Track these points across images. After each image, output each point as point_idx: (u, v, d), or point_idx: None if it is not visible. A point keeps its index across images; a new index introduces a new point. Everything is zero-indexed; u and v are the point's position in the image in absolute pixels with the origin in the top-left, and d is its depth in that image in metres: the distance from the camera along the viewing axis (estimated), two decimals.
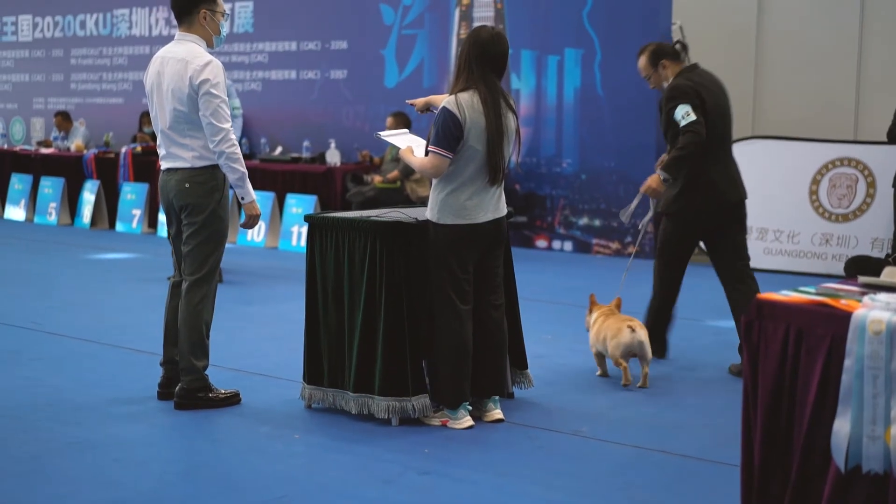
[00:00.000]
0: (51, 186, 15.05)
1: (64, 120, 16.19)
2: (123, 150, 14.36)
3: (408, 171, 11.93)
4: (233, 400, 5.92)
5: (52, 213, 14.94)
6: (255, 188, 13.06)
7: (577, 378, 6.63)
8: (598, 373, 6.69)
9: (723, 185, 6.81)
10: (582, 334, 7.54)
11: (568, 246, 12.47)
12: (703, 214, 6.84)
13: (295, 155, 13.64)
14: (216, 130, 5.67)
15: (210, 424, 5.60)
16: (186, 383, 5.82)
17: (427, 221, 5.56)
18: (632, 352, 6.39)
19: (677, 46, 7.10)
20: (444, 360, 5.50)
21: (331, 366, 5.72)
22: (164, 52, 5.88)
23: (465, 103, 5.42)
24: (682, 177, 6.74)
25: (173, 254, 6.04)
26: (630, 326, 6.40)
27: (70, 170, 15.03)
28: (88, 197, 14.59)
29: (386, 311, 5.46)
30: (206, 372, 5.88)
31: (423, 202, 11.76)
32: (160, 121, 5.83)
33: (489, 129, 5.43)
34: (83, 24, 17.21)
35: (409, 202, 11.58)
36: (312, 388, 5.79)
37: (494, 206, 5.58)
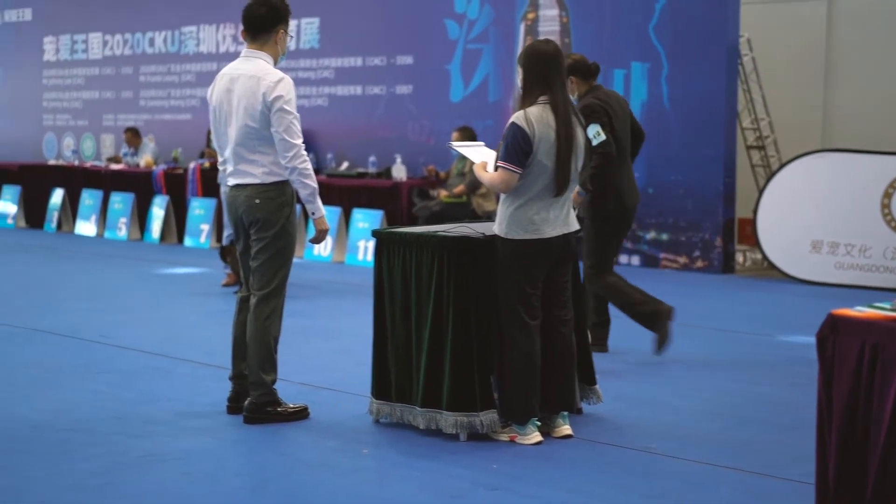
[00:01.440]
0: (121, 202, 15.23)
1: (133, 136, 16.38)
2: (192, 165, 14.48)
3: (474, 186, 11.92)
4: (301, 414, 5.93)
5: (121, 228, 15.11)
6: (322, 203, 13.15)
7: (646, 394, 6.57)
8: None
9: (625, 191, 7.54)
10: (651, 349, 7.48)
11: (635, 260, 12.39)
12: (612, 217, 7.51)
13: (361, 170, 13.69)
14: (289, 146, 5.70)
15: (278, 439, 5.61)
16: (255, 398, 5.84)
17: (495, 236, 5.54)
18: None
19: (592, 66, 7.70)
20: (512, 376, 5.47)
21: (399, 380, 5.71)
22: (231, 69, 5.91)
23: (534, 118, 5.40)
24: (598, 188, 7.42)
25: (241, 269, 6.07)
26: None
27: (139, 185, 15.20)
28: (157, 212, 14.74)
29: (454, 326, 5.45)
30: (275, 386, 5.90)
31: (489, 217, 11.74)
32: (229, 137, 5.86)
33: (559, 143, 5.41)
34: (152, 42, 17.41)
35: (475, 217, 11.57)
36: (380, 403, 5.79)
37: (563, 221, 5.55)
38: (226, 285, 10.59)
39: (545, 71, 5.48)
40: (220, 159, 6.05)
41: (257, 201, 5.78)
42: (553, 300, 5.58)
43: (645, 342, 7.91)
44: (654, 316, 7.40)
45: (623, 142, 7.55)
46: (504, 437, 5.51)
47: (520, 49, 13.01)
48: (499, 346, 5.52)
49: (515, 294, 5.46)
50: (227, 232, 10.19)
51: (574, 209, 7.10)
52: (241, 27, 6.00)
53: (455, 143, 6.22)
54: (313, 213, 5.86)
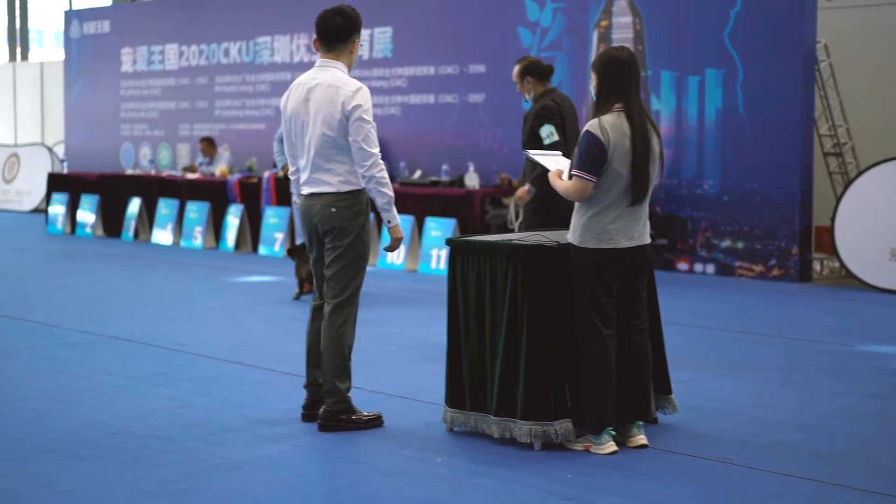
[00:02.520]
0: (196, 211, 15.39)
1: (209, 146, 16.56)
2: (266, 174, 14.61)
3: None
4: (376, 422, 5.94)
5: (197, 237, 15.27)
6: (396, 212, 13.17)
7: (722, 403, 6.50)
8: None
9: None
10: (727, 359, 7.42)
11: (710, 269, 12.28)
12: (553, 215, 7.66)
13: (434, 178, 13.71)
14: (367, 155, 5.73)
15: (353, 447, 5.63)
16: (330, 405, 5.86)
17: (569, 245, 5.51)
18: None
19: (547, 67, 8.14)
20: (587, 385, 5.44)
21: (472, 389, 5.70)
22: (307, 78, 5.94)
23: (609, 126, 5.37)
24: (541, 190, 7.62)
25: (314, 277, 6.10)
26: None
27: (215, 194, 15.35)
28: (232, 221, 14.87)
29: (528, 335, 5.43)
30: (349, 394, 5.92)
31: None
32: (305, 146, 5.89)
33: (634, 150, 5.37)
34: (227, 52, 17.59)
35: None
36: (454, 412, 5.78)
37: (640, 231, 5.51)
38: (298, 297, 10.71)
39: (620, 79, 5.45)
40: (291, 168, 6.08)
41: (333, 210, 5.81)
42: (628, 309, 5.55)
43: (722, 350, 7.86)
44: None
45: (571, 145, 7.58)
46: (579, 447, 5.48)
47: (593, 57, 12.96)
48: (573, 354, 5.49)
49: (590, 303, 5.43)
50: (300, 241, 10.31)
51: (517, 205, 7.98)
52: (314, 37, 6.03)
53: (531, 152, 6.21)
54: (389, 222, 5.88)
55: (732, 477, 5.11)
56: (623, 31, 12.83)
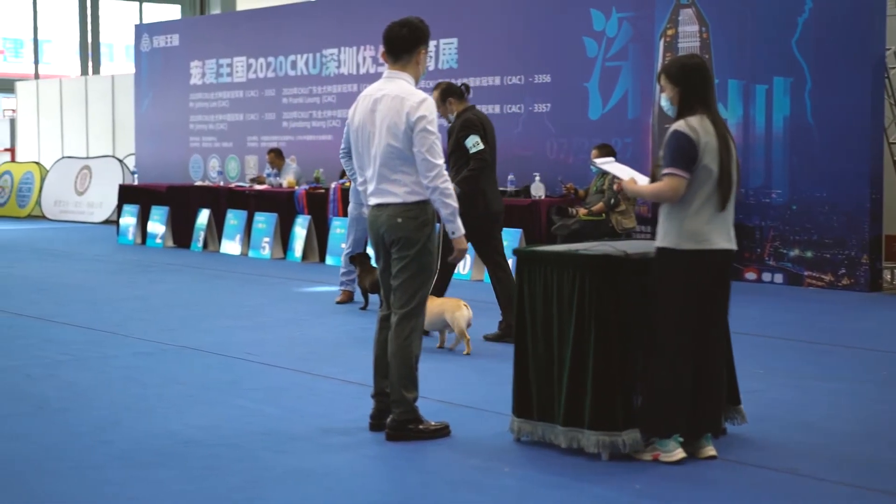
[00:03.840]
0: (264, 221, 15.52)
1: (276, 157, 16.70)
2: (333, 185, 14.70)
3: (613, 203, 11.85)
4: (443, 432, 5.96)
5: (265, 248, 15.40)
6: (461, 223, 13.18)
7: (791, 414, 6.44)
8: (438, 345, 8.52)
9: (492, 197, 8.86)
10: (795, 369, 7.35)
11: (779, 278, 12.16)
12: (480, 218, 8.64)
13: (500, 188, 13.69)
14: (431, 166, 5.75)
15: (420, 456, 5.65)
16: (397, 415, 5.89)
17: (660, 250, 5.45)
18: (469, 323, 8.30)
19: (462, 88, 9.11)
20: (662, 391, 5.39)
21: (540, 399, 5.70)
22: (374, 89, 5.98)
23: (696, 125, 5.34)
24: (469, 190, 8.61)
25: (381, 288, 6.13)
26: (465, 305, 8.37)
27: (282, 205, 15.47)
28: (300, 231, 14.98)
29: (595, 345, 5.42)
30: (416, 404, 5.95)
31: (628, 234, 11.66)
32: (371, 157, 5.91)
33: (720, 151, 5.35)
34: (294, 65, 17.74)
35: (614, 234, 11.50)
36: (521, 422, 5.79)
37: (729, 234, 5.48)
38: (339, 302, 10.78)
39: (703, 86, 5.44)
40: (359, 179, 6.12)
41: (399, 220, 5.83)
42: (709, 318, 5.49)
43: (790, 360, 7.79)
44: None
45: (493, 154, 8.95)
46: (647, 457, 5.45)
47: (659, 66, 12.90)
48: (647, 360, 5.45)
49: (678, 310, 5.37)
50: (348, 251, 10.37)
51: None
52: (381, 49, 6.07)
53: (598, 161, 6.21)
54: (453, 233, 5.91)
55: (801, 488, 5.07)
56: (689, 39, 12.77)
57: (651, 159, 12.78)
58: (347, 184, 13.91)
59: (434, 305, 8.04)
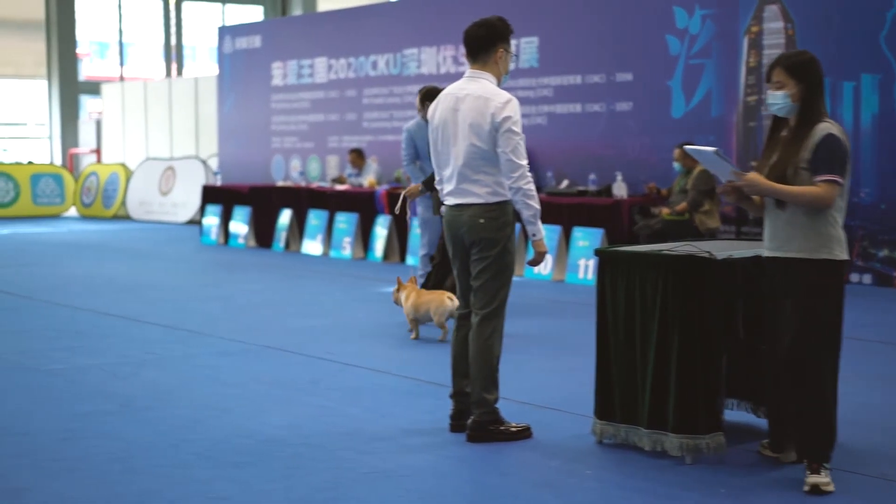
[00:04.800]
0: (345, 221, 15.58)
1: (357, 157, 16.76)
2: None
3: (696, 203, 11.71)
4: (524, 434, 5.92)
5: (346, 248, 15.46)
6: (542, 222, 13.16)
7: (878, 418, 6.31)
8: (413, 336, 8.97)
9: None
10: (883, 372, 7.21)
11: (867, 279, 11.94)
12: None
13: (581, 188, 13.64)
14: (515, 167, 5.72)
15: (501, 458, 5.62)
16: (478, 416, 5.86)
17: (809, 262, 5.08)
18: (451, 316, 8.58)
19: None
20: (827, 411, 5.12)
21: (623, 401, 5.64)
22: (456, 89, 5.96)
23: (838, 129, 5.09)
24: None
25: (458, 288, 6.12)
26: (449, 297, 8.71)
27: (363, 205, 15.52)
28: (381, 231, 15.02)
29: (679, 347, 5.35)
30: (497, 405, 5.92)
31: (712, 234, 11.52)
32: (452, 156, 5.90)
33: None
34: (374, 65, 17.80)
35: (697, 234, 11.37)
36: (604, 424, 5.73)
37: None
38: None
39: (822, 83, 5.20)
40: (438, 178, 6.11)
41: (481, 221, 5.81)
42: None
43: (878, 364, 7.64)
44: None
45: None
46: (819, 481, 4.98)
47: (743, 64, 12.74)
48: (803, 378, 5.11)
49: (835, 324, 5.13)
50: (424, 252, 10.34)
51: (409, 199, 8.83)
52: (462, 49, 6.05)
53: (689, 148, 5.73)
54: (534, 235, 5.86)
55: (891, 493, 4.96)
56: (774, 36, 12.59)
57: (736, 157, 12.63)
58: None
59: (422, 298, 8.85)
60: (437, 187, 6.14)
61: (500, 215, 5.83)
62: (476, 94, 5.82)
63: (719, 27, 13.10)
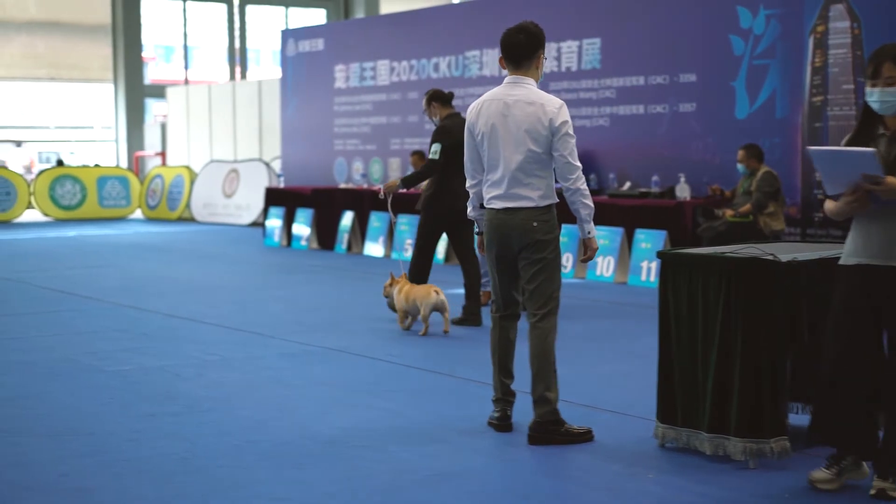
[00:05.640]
0: (407, 224, 15.61)
1: (419, 159, 16.75)
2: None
3: (761, 205, 11.61)
4: (586, 437, 5.90)
5: (408, 250, 15.47)
6: (603, 223, 13.09)
7: None
8: (403, 328, 9.40)
9: (458, 196, 9.10)
10: None
11: None
12: (443, 215, 9.77)
13: (644, 189, 13.57)
14: (573, 169, 5.85)
15: (561, 461, 5.60)
16: (540, 416, 5.87)
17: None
18: (437, 309, 9.15)
19: (448, 94, 10.06)
20: None
21: (685, 405, 5.61)
22: (501, 94, 6.02)
23: None
24: (437, 191, 9.80)
25: (499, 290, 6.16)
26: (435, 291, 9.16)
27: None
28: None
29: (742, 350, 5.31)
30: (559, 407, 5.93)
31: (776, 237, 11.41)
32: (502, 161, 5.95)
33: None
34: (436, 67, 17.83)
35: (762, 237, 11.27)
36: (666, 427, 5.70)
37: None
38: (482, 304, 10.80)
39: None
40: (469, 183, 6.20)
41: (535, 224, 5.91)
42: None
43: None
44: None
45: (462, 162, 9.22)
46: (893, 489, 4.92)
47: (808, 64, 12.61)
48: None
49: None
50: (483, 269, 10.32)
51: (385, 196, 9.94)
52: (499, 55, 6.14)
53: (814, 149, 5.10)
54: (588, 233, 5.98)
55: None
56: (840, 36, 12.45)
57: (801, 158, 12.51)
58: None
59: (412, 291, 9.28)
60: (472, 191, 6.21)
61: (551, 218, 5.97)
62: (528, 100, 5.90)
63: (784, 27, 12.98)
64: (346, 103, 19.70)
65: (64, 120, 32.18)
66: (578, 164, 5.89)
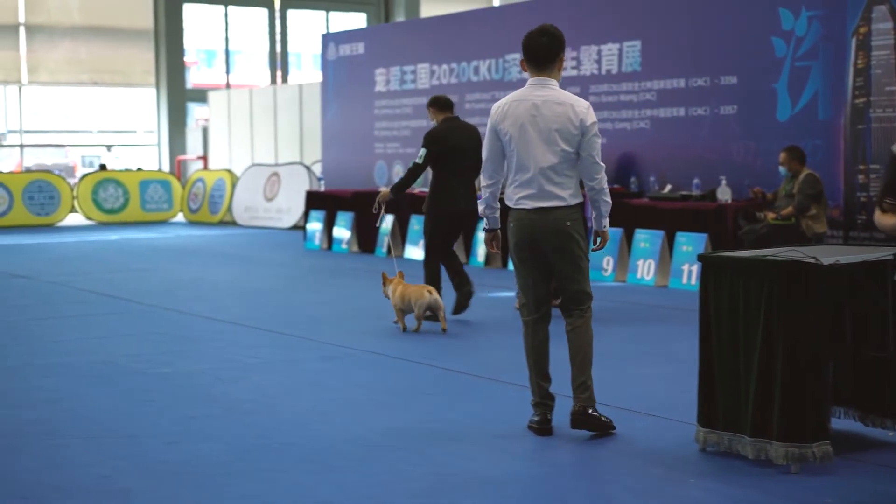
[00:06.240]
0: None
1: None
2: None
3: (803, 207, 11.52)
4: (611, 427, 6.07)
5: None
6: (644, 226, 13.03)
7: None
8: (400, 325, 9.62)
9: (458, 200, 10.14)
10: None
11: None
12: (443, 216, 10.22)
13: (684, 192, 13.50)
14: (599, 168, 6.07)
15: (602, 465, 5.58)
16: (584, 400, 6.03)
17: None
18: (430, 308, 9.42)
19: (445, 100, 10.51)
20: None
21: (726, 409, 5.56)
22: (527, 95, 6.14)
23: None
24: (429, 191, 10.38)
25: (533, 292, 6.22)
26: (429, 291, 9.47)
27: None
28: (483, 237, 15.00)
29: (784, 354, 5.26)
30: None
31: (819, 239, 11.32)
32: (533, 161, 6.04)
33: None
34: (476, 70, 17.82)
35: (804, 240, 11.18)
36: (707, 431, 5.66)
37: None
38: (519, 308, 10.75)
39: None
40: (487, 182, 6.26)
41: (568, 223, 6.05)
42: None
43: None
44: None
45: (457, 161, 10.15)
46: None
47: (851, 66, 12.50)
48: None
49: None
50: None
51: (378, 208, 10.42)
52: (520, 58, 6.30)
53: None
54: (605, 227, 6.22)
55: None
56: (883, 37, 12.33)
57: (844, 160, 12.40)
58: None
59: (407, 290, 9.54)
60: (490, 191, 6.28)
61: (581, 216, 6.18)
62: (557, 101, 6.04)
63: (826, 29, 12.87)
64: (386, 106, 19.73)
65: (107, 124, 32.43)
66: (603, 164, 6.09)
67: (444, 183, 10.18)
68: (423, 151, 10.14)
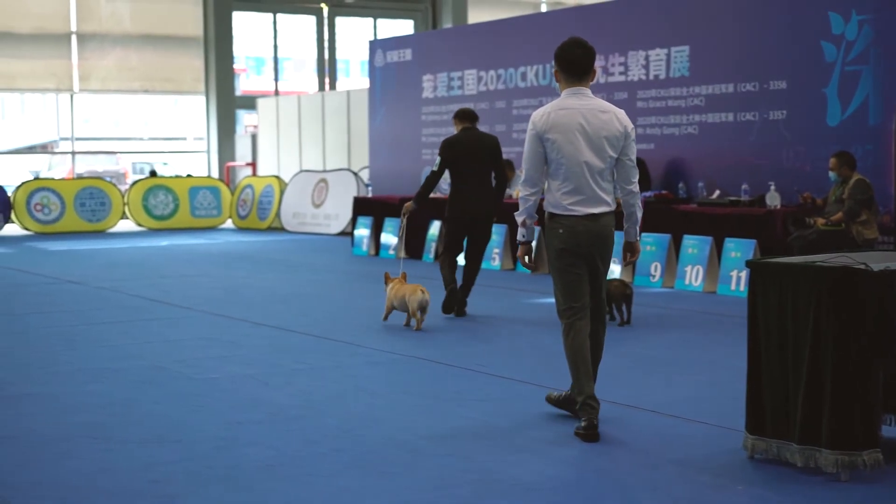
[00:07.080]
0: (495, 232, 15.50)
1: (509, 169, 16.76)
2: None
3: (854, 213, 11.41)
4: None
5: (495, 259, 15.48)
6: (692, 232, 12.97)
7: None
8: (382, 317, 10.37)
9: (469, 203, 10.77)
10: None
11: None
12: (458, 218, 10.82)
13: (733, 198, 13.41)
14: (635, 173, 6.35)
15: (648, 472, 5.55)
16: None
17: None
18: (423, 306, 9.82)
19: (466, 111, 11.04)
20: None
21: (774, 416, 5.52)
22: (570, 104, 6.26)
23: None
24: (448, 195, 11.07)
25: (579, 294, 6.34)
26: (422, 290, 9.88)
27: (512, 217, 15.46)
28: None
29: (834, 361, 5.21)
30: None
31: (868, 245, 11.21)
32: (584, 168, 6.18)
33: None
34: (524, 76, 17.81)
35: (854, 246, 11.08)
36: (755, 439, 5.61)
37: None
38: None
39: None
40: (530, 190, 6.36)
41: (612, 227, 6.28)
42: None
43: None
44: (450, 294, 10.74)
45: (470, 166, 10.77)
46: None
47: None
48: None
49: None
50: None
51: (403, 215, 10.84)
52: (554, 68, 6.44)
53: None
54: (639, 236, 6.45)
55: None
56: None
57: (894, 167, 12.27)
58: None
59: (402, 289, 10.01)
60: (532, 199, 6.36)
61: (614, 220, 6.34)
62: (600, 109, 6.26)
63: (877, 32, 12.76)
64: (433, 113, 19.76)
65: (157, 131, 32.69)
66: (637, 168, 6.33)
67: (457, 188, 10.82)
68: (438, 159, 10.78)
